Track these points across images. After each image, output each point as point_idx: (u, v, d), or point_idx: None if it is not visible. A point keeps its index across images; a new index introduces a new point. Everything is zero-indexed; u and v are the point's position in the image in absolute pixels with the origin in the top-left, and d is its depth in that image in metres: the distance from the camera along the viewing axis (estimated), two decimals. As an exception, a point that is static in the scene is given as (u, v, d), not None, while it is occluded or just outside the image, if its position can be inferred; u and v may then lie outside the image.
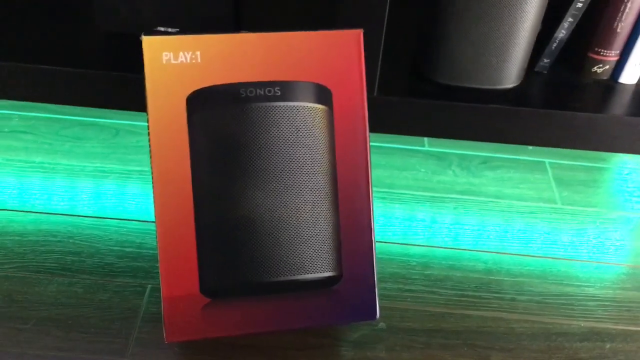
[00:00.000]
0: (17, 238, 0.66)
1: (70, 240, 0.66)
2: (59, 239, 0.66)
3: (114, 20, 0.67)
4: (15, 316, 0.58)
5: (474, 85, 0.65)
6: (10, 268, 0.62)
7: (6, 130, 0.80)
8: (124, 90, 0.65)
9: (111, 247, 0.66)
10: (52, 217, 0.69)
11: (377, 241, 0.70)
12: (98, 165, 0.76)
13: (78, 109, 0.83)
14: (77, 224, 0.68)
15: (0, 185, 0.72)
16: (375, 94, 0.63)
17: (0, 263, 0.63)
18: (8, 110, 0.83)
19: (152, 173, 0.50)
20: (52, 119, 0.83)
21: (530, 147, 0.84)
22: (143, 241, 0.67)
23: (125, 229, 0.68)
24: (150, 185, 0.72)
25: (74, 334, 0.57)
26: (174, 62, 0.49)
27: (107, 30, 0.68)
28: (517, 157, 0.84)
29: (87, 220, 0.69)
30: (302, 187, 0.51)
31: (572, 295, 0.65)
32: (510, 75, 0.65)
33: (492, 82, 0.65)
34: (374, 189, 0.77)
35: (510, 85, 0.66)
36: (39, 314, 0.58)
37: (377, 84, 0.62)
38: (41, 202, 0.70)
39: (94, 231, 0.68)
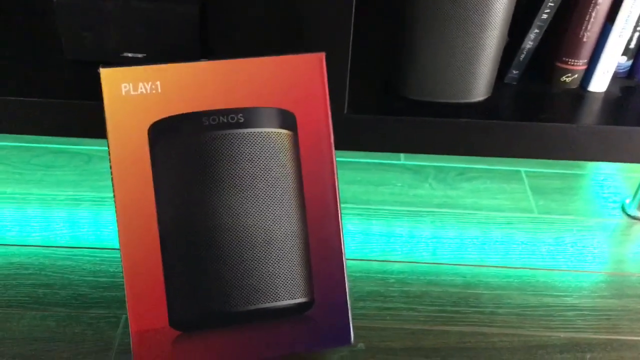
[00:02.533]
0: (-13, 272, 0.65)
1: (43, 272, 0.65)
2: (31, 272, 0.65)
3: (80, 48, 0.66)
4: (-15, 354, 0.57)
5: (443, 100, 0.65)
6: (-19, 304, 0.61)
7: (-24, 161, 0.79)
8: (93, 118, 0.64)
9: (84, 277, 0.65)
10: (24, 249, 0.68)
11: (355, 259, 0.69)
12: (70, 193, 0.75)
13: (49, 137, 0.82)
14: (50, 255, 0.67)
15: (-30, 218, 0.71)
16: (345, 112, 0.62)
17: (-31, 300, 0.62)
18: (-23, 140, 0.82)
19: (115, 205, 0.49)
20: (23, 148, 0.82)
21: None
22: (117, 270, 0.66)
23: (98, 258, 0.67)
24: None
25: (46, 370, 0.56)
26: (134, 93, 0.48)
27: (74, 59, 0.68)
28: (493, 167, 0.84)
29: (60, 251, 0.68)
30: (270, 214, 0.50)
31: (551, 306, 0.65)
32: (479, 88, 0.65)
33: (462, 96, 0.65)
34: (351, 205, 0.77)
35: (480, 99, 0.66)
36: (12, 351, 0.57)
37: (346, 102, 0.62)
38: (13, 234, 0.69)
39: (66, 262, 0.67)
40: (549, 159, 0.67)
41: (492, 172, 0.83)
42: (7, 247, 0.68)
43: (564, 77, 0.68)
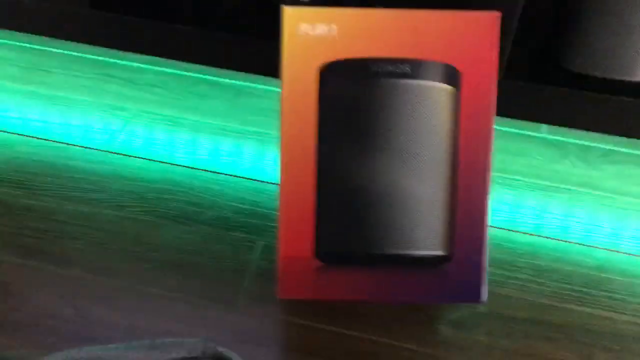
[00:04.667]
0: (145, 184, 0.71)
1: (191, 192, 0.71)
2: (182, 189, 0.71)
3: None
4: (141, 257, 0.63)
5: (609, 76, 0.62)
6: (140, 211, 0.68)
7: (141, 82, 0.86)
8: (254, 54, 0.67)
9: (228, 202, 0.70)
10: (177, 169, 0.74)
11: (484, 225, 0.69)
12: (219, 122, 0.80)
13: (205, 67, 0.87)
14: (198, 176, 0.73)
15: (132, 134, 0.78)
16: (501, 77, 0.62)
17: (132, 206, 0.68)
18: (143, 64, 0.89)
19: (280, 138, 0.52)
20: (181, 76, 0.87)
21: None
22: (257, 200, 0.70)
23: (241, 186, 0.72)
24: (265, 148, 0.76)
25: (191, 280, 0.61)
26: (311, 33, 0.50)
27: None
28: (642, 152, 0.80)
29: (208, 175, 0.73)
30: (423, 165, 0.52)
31: (689, 304, 0.62)
32: (649, 67, 0.62)
33: (627, 74, 0.62)
34: (486, 171, 0.76)
35: (647, 78, 0.62)
36: (162, 257, 0.63)
37: (504, 66, 0.61)
38: (167, 154, 0.75)
39: (212, 185, 0.72)
40: None
41: (639, 158, 0.79)
42: (162, 164, 0.74)
43: None
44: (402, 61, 0.50)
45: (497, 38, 0.51)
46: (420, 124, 0.51)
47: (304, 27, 0.50)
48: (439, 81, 0.51)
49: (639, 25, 0.58)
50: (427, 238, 0.52)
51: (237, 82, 0.86)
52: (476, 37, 0.51)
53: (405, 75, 0.50)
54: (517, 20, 0.57)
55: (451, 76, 0.51)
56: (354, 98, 0.51)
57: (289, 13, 0.50)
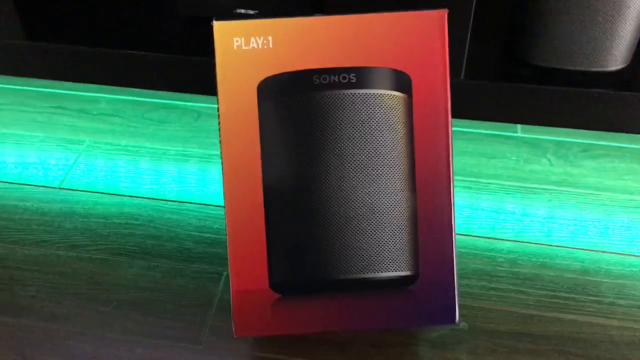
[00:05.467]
0: (101, 220, 0.67)
1: (151, 224, 0.67)
2: (140, 223, 0.67)
3: (193, 4, 0.67)
4: (96, 298, 0.59)
5: (574, 68, 0.59)
6: (94, 250, 0.64)
7: (94, 112, 0.83)
8: (204, 74, 0.64)
9: (190, 232, 0.66)
10: (135, 200, 0.70)
11: (460, 234, 0.66)
12: (180, 148, 0.77)
13: (161, 92, 0.84)
14: (159, 207, 0.69)
15: (88, 167, 0.74)
16: (462, 77, 0.58)
17: (85, 245, 0.65)
18: (96, 93, 0.85)
19: (221, 162, 0.49)
20: (138, 102, 0.84)
21: None
22: (221, 227, 0.67)
23: (204, 214, 0.68)
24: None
25: (151, 318, 0.58)
26: (245, 47, 0.47)
27: (187, 15, 0.68)
28: (623, 145, 0.76)
29: (168, 205, 0.70)
30: (378, 179, 0.48)
31: (682, 302, 0.59)
32: (617, 55, 0.58)
33: (596, 64, 0.59)
34: (460, 177, 0.73)
35: (616, 67, 0.59)
36: (119, 297, 0.59)
37: (464, 66, 0.58)
38: (125, 185, 0.72)
39: (174, 215, 0.68)
40: (694, 138, 0.59)
41: (621, 150, 0.75)
42: (119, 197, 0.70)
43: None
44: (347, 70, 0.47)
45: (445, 37, 0.48)
46: (372, 136, 0.47)
47: (237, 42, 0.47)
48: (388, 88, 0.47)
49: (603, 14, 0.55)
50: (389, 258, 0.49)
51: (197, 104, 0.83)
52: (423, 38, 0.47)
53: (351, 85, 0.47)
54: (471, 16, 0.54)
55: (400, 82, 0.48)
56: (298, 114, 0.47)
57: (219, 28, 0.47)
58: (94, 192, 0.71)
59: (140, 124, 0.81)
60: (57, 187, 0.72)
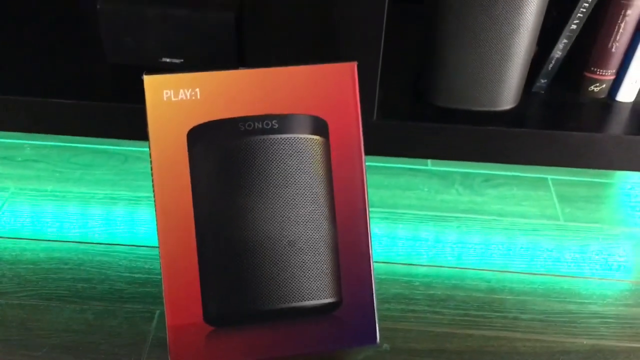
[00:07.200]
0: (30, 266, 0.68)
1: (82, 267, 0.68)
2: (70, 267, 0.68)
3: (121, 52, 0.69)
4: (28, 344, 0.60)
5: (472, 108, 0.66)
6: (24, 296, 0.64)
7: (19, 159, 0.83)
8: (133, 120, 0.66)
9: (121, 273, 0.68)
10: (64, 245, 0.71)
11: (380, 262, 0.71)
12: (108, 192, 0.78)
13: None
14: (88, 251, 0.70)
15: (13, 214, 0.74)
16: (374, 118, 0.64)
17: (14, 292, 0.65)
18: (20, 139, 0.86)
19: (155, 206, 0.52)
20: (63, 147, 0.85)
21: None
22: (152, 267, 0.68)
23: (134, 255, 0.70)
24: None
25: (85, 360, 0.59)
26: (175, 99, 0.51)
27: (115, 62, 0.71)
28: (520, 174, 0.85)
29: (98, 247, 0.71)
30: (301, 215, 0.52)
31: (575, 313, 0.66)
32: (508, 96, 0.66)
33: (490, 104, 0.66)
34: (378, 209, 0.78)
35: (508, 107, 0.67)
36: (51, 342, 0.60)
37: (376, 108, 0.64)
38: (53, 230, 0.72)
39: (104, 258, 0.69)
40: (575, 167, 0.67)
41: (518, 179, 0.84)
42: (48, 242, 0.71)
43: (592, 87, 0.69)
44: (269, 117, 0.51)
45: (356, 86, 0.53)
46: (294, 176, 0.52)
47: (167, 94, 0.50)
48: (307, 133, 0.52)
49: (493, 62, 0.62)
50: (315, 287, 0.53)
51: (123, 148, 0.85)
52: (337, 87, 0.53)
53: (273, 131, 0.51)
54: (379, 65, 0.60)
55: (318, 126, 0.53)
56: (225, 157, 0.51)
57: (150, 81, 0.51)
58: (21, 238, 0.71)
59: (67, 169, 0.82)
60: (-18, 235, 0.71)
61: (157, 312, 0.63)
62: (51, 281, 0.66)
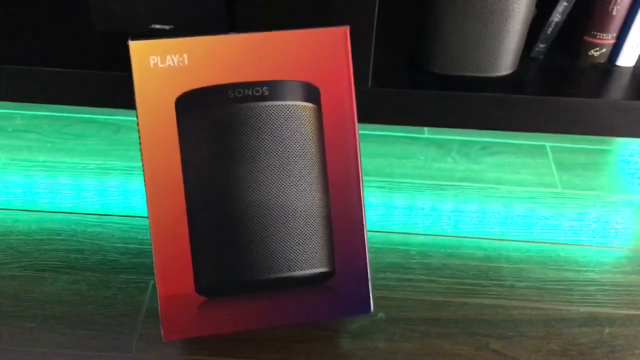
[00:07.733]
0: (22, 237, 0.67)
1: (74, 238, 0.67)
2: (63, 237, 0.67)
3: (109, 20, 0.68)
4: (22, 315, 0.59)
5: (469, 74, 0.65)
6: (17, 267, 0.64)
7: (10, 129, 0.82)
8: (122, 89, 0.65)
9: (114, 244, 0.67)
10: (56, 216, 0.70)
11: (376, 231, 0.70)
12: (100, 162, 0.77)
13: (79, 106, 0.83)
14: (81, 221, 0.70)
15: (5, 185, 0.74)
16: (369, 85, 0.63)
17: (6, 263, 0.64)
18: (11, 109, 0.84)
19: (143, 175, 0.51)
20: (55, 117, 0.84)
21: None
22: (145, 237, 0.68)
23: (127, 226, 0.69)
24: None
25: (79, 331, 0.58)
26: (162, 65, 0.49)
27: (103, 30, 0.69)
28: (518, 141, 0.83)
29: (91, 218, 0.70)
30: (293, 184, 0.51)
31: (571, 281, 0.66)
32: (506, 62, 0.64)
33: (487, 70, 0.65)
34: (373, 177, 0.77)
35: (505, 73, 0.65)
36: (45, 312, 0.60)
37: (370, 75, 0.62)
38: (45, 201, 0.72)
39: (97, 228, 0.69)
40: (574, 134, 0.66)
41: (516, 146, 0.83)
42: (40, 213, 0.70)
43: (591, 51, 0.67)
44: (259, 84, 0.50)
45: (348, 51, 0.52)
46: (285, 144, 0.51)
47: (154, 60, 0.49)
48: (298, 100, 0.51)
49: (491, 26, 0.61)
50: (307, 256, 0.52)
51: (116, 117, 0.84)
52: (329, 53, 0.51)
53: (264, 98, 0.50)
54: (373, 30, 0.59)
55: (310, 93, 0.51)
56: (215, 126, 0.50)
57: (136, 47, 0.49)
58: (12, 209, 0.71)
59: (58, 139, 0.80)
60: (-27, 206, 0.71)
61: (151, 282, 0.63)
62: (44, 252, 0.66)
